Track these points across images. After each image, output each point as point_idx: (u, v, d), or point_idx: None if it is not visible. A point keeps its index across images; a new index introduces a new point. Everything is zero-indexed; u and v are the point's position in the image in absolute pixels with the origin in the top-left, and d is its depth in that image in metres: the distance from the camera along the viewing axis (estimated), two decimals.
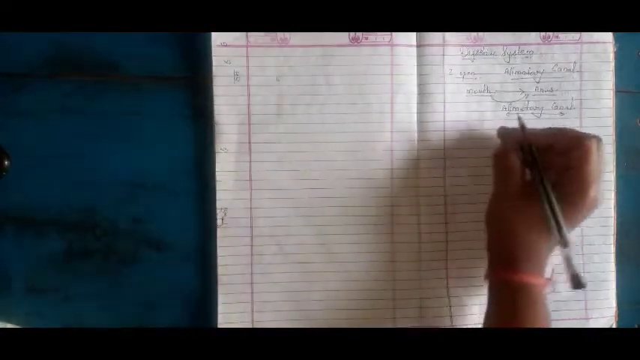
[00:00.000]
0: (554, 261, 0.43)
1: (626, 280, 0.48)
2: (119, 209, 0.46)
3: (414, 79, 0.46)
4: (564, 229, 0.40)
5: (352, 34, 0.46)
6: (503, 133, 0.45)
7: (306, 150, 0.46)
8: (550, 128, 0.44)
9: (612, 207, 0.47)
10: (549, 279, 0.42)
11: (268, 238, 0.46)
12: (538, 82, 0.47)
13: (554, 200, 0.41)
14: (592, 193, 0.41)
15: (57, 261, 0.45)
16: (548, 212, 0.41)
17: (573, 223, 0.41)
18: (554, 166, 0.42)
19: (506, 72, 0.47)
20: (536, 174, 0.42)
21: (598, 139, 0.41)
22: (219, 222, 0.46)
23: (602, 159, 0.42)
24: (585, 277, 0.41)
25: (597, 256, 0.47)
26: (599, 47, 0.47)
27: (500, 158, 0.44)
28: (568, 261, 0.41)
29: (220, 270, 0.46)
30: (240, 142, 0.46)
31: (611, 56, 0.47)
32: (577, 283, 0.41)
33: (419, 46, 0.46)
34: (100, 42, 0.45)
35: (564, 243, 0.40)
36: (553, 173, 0.42)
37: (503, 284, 0.42)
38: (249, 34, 0.45)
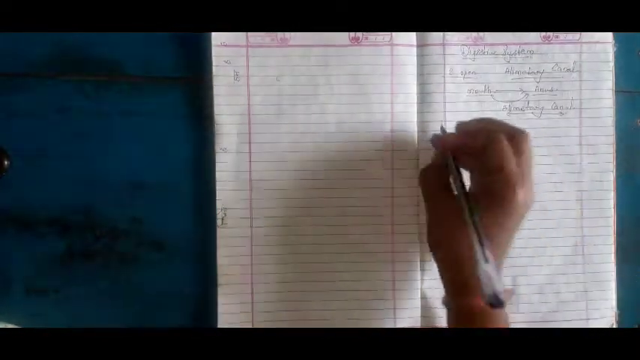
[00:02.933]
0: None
1: (626, 280, 0.48)
2: (119, 209, 0.46)
3: (414, 79, 0.46)
4: (483, 239, 0.37)
5: (352, 34, 0.46)
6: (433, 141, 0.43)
7: (306, 150, 0.46)
8: (466, 122, 0.41)
9: (612, 207, 0.47)
10: (508, 290, 0.39)
11: (268, 238, 0.46)
12: (538, 82, 0.47)
13: (472, 211, 0.38)
14: (519, 195, 0.38)
15: (57, 261, 0.45)
16: (469, 224, 0.38)
17: (506, 230, 0.39)
18: (474, 169, 0.40)
19: (507, 71, 0.47)
20: (457, 184, 0.40)
21: (520, 131, 0.39)
22: (219, 222, 0.46)
23: (526, 153, 0.38)
24: (505, 295, 0.36)
25: (597, 257, 0.47)
26: (599, 47, 0.47)
27: (422, 182, 0.43)
28: (487, 278, 0.36)
29: (220, 270, 0.46)
30: (241, 142, 0.46)
31: (611, 56, 0.47)
32: (496, 301, 0.36)
33: (419, 45, 0.46)
34: (100, 42, 0.45)
35: (484, 257, 0.37)
36: (475, 177, 0.40)
37: (461, 310, 0.40)
38: (250, 33, 0.45)
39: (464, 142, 0.40)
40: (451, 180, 0.42)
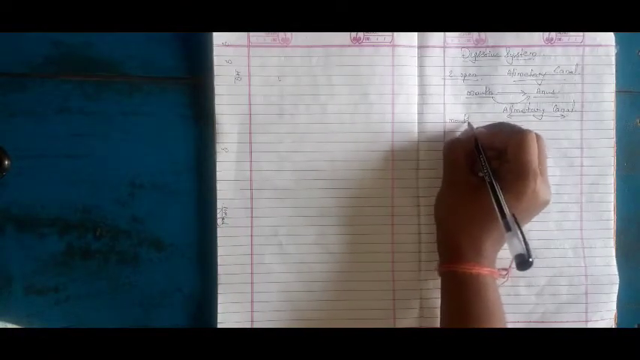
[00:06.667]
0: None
1: (626, 280, 0.48)
2: (119, 209, 0.46)
3: (414, 80, 0.46)
4: (507, 212, 0.40)
5: (353, 34, 0.46)
6: (463, 132, 0.47)
7: (306, 150, 0.46)
8: (493, 124, 0.46)
9: (612, 207, 0.47)
10: (503, 270, 0.43)
11: (268, 238, 0.46)
12: (540, 84, 0.47)
13: (497, 186, 0.41)
14: (530, 183, 0.41)
15: (57, 261, 0.45)
16: (492, 198, 0.41)
17: (518, 216, 0.41)
18: (495, 160, 0.44)
19: (509, 73, 0.47)
20: (482, 165, 0.43)
21: (536, 134, 0.42)
22: (219, 222, 0.46)
23: (542, 153, 0.42)
24: (532, 255, 0.39)
25: (597, 257, 0.47)
26: (602, 50, 0.47)
27: (446, 151, 0.46)
28: (511, 244, 0.40)
29: (220, 270, 0.46)
30: (241, 142, 0.46)
31: (613, 59, 0.47)
32: (521, 262, 0.40)
33: (420, 47, 0.46)
34: (100, 42, 0.45)
35: (506, 227, 0.40)
36: (495, 167, 0.43)
37: (450, 275, 0.43)
38: (251, 33, 0.45)
39: (493, 139, 0.44)
40: (477, 166, 0.44)
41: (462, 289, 0.42)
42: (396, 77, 0.46)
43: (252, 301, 0.46)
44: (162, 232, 0.46)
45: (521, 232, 0.40)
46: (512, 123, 0.46)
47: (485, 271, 0.42)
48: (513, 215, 0.40)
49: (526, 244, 0.40)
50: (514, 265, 0.40)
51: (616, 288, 0.47)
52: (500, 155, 0.44)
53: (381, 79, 0.46)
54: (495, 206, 0.41)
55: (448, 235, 0.44)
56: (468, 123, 0.46)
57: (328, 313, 0.46)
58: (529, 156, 0.41)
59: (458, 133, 0.47)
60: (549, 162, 0.46)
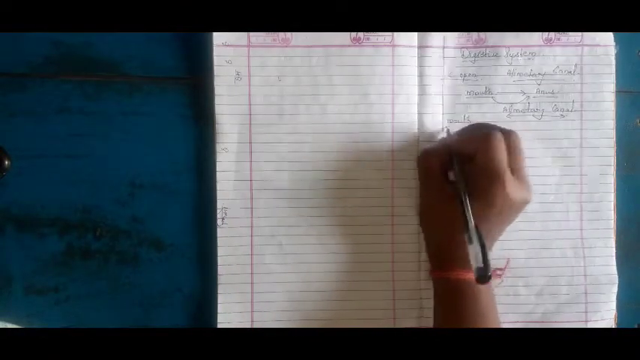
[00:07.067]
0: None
1: (626, 280, 0.48)
2: (119, 209, 0.46)
3: (414, 80, 0.46)
4: (470, 225, 0.40)
5: (353, 34, 0.46)
6: (440, 139, 0.46)
7: (306, 150, 0.46)
8: (466, 127, 0.45)
9: (612, 207, 0.47)
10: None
11: (268, 238, 0.46)
12: (539, 84, 0.47)
13: (465, 198, 0.41)
14: (499, 187, 0.40)
15: (57, 261, 0.45)
16: (460, 209, 0.41)
17: (490, 222, 0.41)
18: (467, 165, 0.42)
19: (508, 74, 0.47)
20: (455, 174, 0.42)
21: (506, 132, 0.41)
22: (219, 222, 0.46)
23: (515, 151, 0.41)
24: (490, 270, 0.39)
25: (597, 257, 0.47)
26: (601, 50, 0.47)
27: (420, 160, 0.46)
28: (475, 256, 0.39)
29: (220, 270, 0.46)
30: (241, 142, 0.46)
31: (613, 59, 0.47)
32: (479, 277, 0.39)
33: (420, 47, 0.46)
34: (100, 42, 0.45)
35: (468, 240, 0.40)
36: (468, 172, 0.42)
37: (443, 282, 0.43)
38: (251, 33, 0.45)
39: (463, 145, 0.43)
40: (450, 174, 0.44)
41: (455, 296, 0.42)
42: (396, 77, 0.46)
43: (252, 301, 0.46)
44: (162, 232, 0.46)
45: (483, 246, 0.39)
46: (486, 123, 0.44)
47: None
48: (476, 227, 0.40)
49: (485, 258, 0.39)
50: (510, 265, 0.40)
51: (616, 288, 0.47)
52: (472, 159, 0.42)
53: (381, 79, 0.46)
54: (462, 218, 0.40)
55: (434, 241, 0.45)
56: (447, 130, 0.46)
57: (328, 313, 0.46)
58: (495, 157, 0.40)
59: (439, 136, 0.46)
60: (549, 161, 0.47)
